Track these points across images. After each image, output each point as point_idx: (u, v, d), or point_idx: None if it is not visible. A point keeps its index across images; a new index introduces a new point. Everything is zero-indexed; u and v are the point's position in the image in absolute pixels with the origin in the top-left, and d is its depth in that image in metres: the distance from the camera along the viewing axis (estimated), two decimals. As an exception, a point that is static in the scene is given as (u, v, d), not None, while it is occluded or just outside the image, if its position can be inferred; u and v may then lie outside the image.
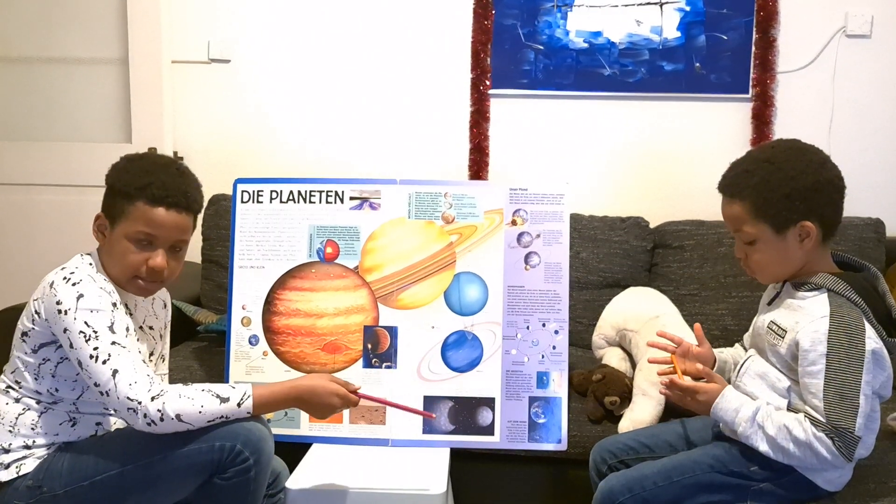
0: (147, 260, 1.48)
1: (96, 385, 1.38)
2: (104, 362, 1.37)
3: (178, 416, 1.36)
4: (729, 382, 1.56)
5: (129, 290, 1.53)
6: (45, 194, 2.85)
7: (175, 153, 2.81)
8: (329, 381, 1.52)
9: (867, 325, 1.36)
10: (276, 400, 1.48)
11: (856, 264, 1.49)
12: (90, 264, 1.49)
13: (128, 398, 1.35)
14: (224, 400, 1.40)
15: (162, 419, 1.35)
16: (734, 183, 1.46)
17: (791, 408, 1.41)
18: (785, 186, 1.39)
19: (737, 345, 1.72)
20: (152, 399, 1.35)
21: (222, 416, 1.40)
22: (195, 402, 1.38)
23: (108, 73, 2.82)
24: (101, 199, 1.53)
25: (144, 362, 1.46)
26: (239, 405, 1.41)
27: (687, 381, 1.49)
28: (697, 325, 1.63)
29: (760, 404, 1.41)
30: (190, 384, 1.42)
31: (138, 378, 1.37)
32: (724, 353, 1.65)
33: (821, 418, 1.32)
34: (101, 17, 2.79)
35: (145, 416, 1.35)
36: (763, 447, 1.38)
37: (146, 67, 2.72)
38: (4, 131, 2.92)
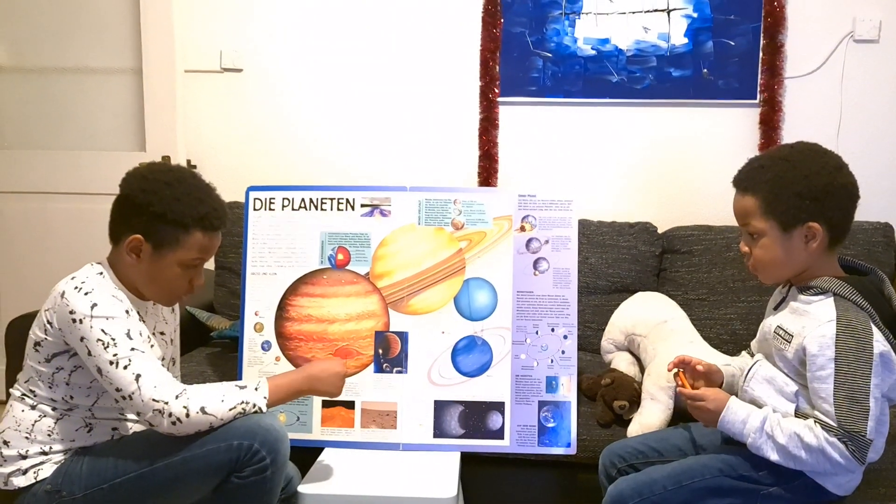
0: (191, 280, 1.54)
1: (118, 390, 1.39)
2: (125, 367, 1.39)
3: (202, 409, 1.39)
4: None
5: (158, 301, 1.58)
6: (59, 202, 2.89)
7: (188, 161, 2.84)
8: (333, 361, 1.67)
9: (874, 328, 1.36)
10: (290, 384, 1.54)
11: (861, 268, 1.49)
12: (100, 273, 1.50)
13: (153, 400, 1.38)
14: (242, 387, 1.47)
15: (188, 415, 1.38)
16: (748, 177, 1.47)
17: (799, 412, 1.41)
18: (797, 184, 1.40)
19: (743, 353, 1.71)
20: (176, 398, 1.38)
21: (243, 402, 1.43)
22: (216, 393, 1.43)
23: (122, 83, 2.86)
24: (129, 217, 1.48)
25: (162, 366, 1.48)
26: (256, 389, 1.47)
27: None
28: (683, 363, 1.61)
29: (767, 413, 1.41)
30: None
31: (162, 380, 1.40)
32: (731, 367, 1.64)
33: (832, 423, 1.32)
34: (115, 28, 2.82)
35: (170, 415, 1.37)
36: (774, 456, 1.38)
37: (159, 77, 2.75)
38: (20, 140, 2.96)
